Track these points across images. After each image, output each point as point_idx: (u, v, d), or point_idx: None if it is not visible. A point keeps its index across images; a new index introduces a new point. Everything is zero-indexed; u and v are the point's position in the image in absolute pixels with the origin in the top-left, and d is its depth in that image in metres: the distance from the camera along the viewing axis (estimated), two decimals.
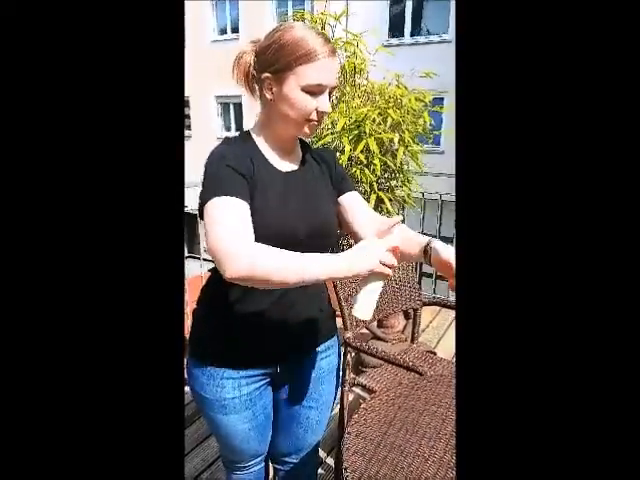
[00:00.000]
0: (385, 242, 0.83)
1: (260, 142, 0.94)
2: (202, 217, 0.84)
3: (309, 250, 0.92)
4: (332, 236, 1.01)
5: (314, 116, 0.88)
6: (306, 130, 0.90)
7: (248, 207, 0.83)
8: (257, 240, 0.79)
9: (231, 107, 11.09)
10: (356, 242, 1.05)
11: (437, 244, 0.89)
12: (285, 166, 0.96)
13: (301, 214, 0.92)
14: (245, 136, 0.95)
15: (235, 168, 0.84)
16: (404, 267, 1.89)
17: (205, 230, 0.79)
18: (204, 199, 0.82)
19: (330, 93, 0.89)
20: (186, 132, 11.36)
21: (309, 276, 0.76)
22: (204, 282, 1.03)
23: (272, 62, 0.86)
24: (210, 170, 0.85)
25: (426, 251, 0.91)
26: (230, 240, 0.75)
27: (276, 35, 0.86)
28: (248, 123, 10.12)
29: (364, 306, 0.86)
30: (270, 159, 0.93)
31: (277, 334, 0.98)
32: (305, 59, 0.83)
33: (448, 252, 0.87)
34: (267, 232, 0.84)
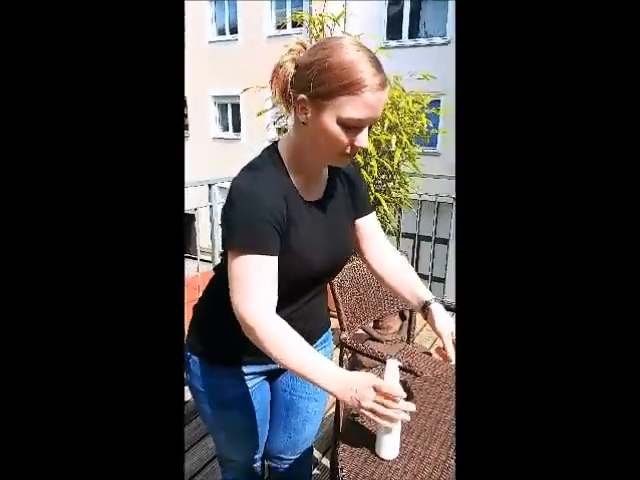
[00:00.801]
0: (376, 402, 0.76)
1: (290, 167, 0.86)
2: (223, 246, 0.86)
3: (326, 278, 0.99)
4: (346, 262, 1.02)
5: (348, 150, 0.80)
6: (337, 162, 0.84)
7: (276, 261, 0.81)
8: (281, 277, 0.81)
9: (229, 107, 11.08)
10: (359, 257, 1.10)
11: (435, 308, 0.94)
12: (312, 194, 0.90)
13: (326, 249, 0.91)
14: (275, 159, 0.86)
15: (270, 221, 0.79)
16: None
17: (230, 277, 0.81)
18: (233, 243, 0.80)
19: (371, 126, 0.80)
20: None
21: (302, 374, 0.79)
22: (200, 282, 1.04)
23: (312, 85, 0.75)
24: (243, 214, 0.79)
25: (424, 307, 0.96)
26: (251, 307, 0.79)
27: (321, 53, 0.74)
28: (245, 124, 10.16)
29: (389, 447, 0.90)
30: (300, 189, 0.87)
31: None
32: (350, 90, 0.72)
33: (442, 324, 0.92)
34: (294, 268, 0.85)
